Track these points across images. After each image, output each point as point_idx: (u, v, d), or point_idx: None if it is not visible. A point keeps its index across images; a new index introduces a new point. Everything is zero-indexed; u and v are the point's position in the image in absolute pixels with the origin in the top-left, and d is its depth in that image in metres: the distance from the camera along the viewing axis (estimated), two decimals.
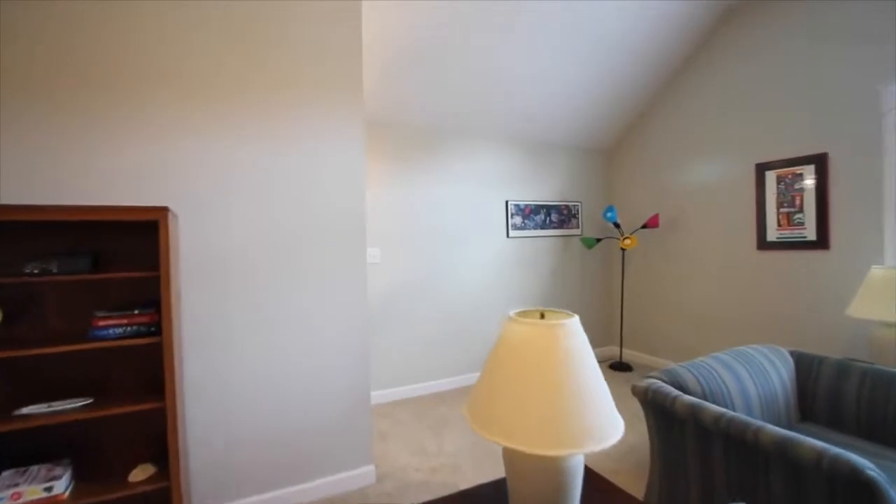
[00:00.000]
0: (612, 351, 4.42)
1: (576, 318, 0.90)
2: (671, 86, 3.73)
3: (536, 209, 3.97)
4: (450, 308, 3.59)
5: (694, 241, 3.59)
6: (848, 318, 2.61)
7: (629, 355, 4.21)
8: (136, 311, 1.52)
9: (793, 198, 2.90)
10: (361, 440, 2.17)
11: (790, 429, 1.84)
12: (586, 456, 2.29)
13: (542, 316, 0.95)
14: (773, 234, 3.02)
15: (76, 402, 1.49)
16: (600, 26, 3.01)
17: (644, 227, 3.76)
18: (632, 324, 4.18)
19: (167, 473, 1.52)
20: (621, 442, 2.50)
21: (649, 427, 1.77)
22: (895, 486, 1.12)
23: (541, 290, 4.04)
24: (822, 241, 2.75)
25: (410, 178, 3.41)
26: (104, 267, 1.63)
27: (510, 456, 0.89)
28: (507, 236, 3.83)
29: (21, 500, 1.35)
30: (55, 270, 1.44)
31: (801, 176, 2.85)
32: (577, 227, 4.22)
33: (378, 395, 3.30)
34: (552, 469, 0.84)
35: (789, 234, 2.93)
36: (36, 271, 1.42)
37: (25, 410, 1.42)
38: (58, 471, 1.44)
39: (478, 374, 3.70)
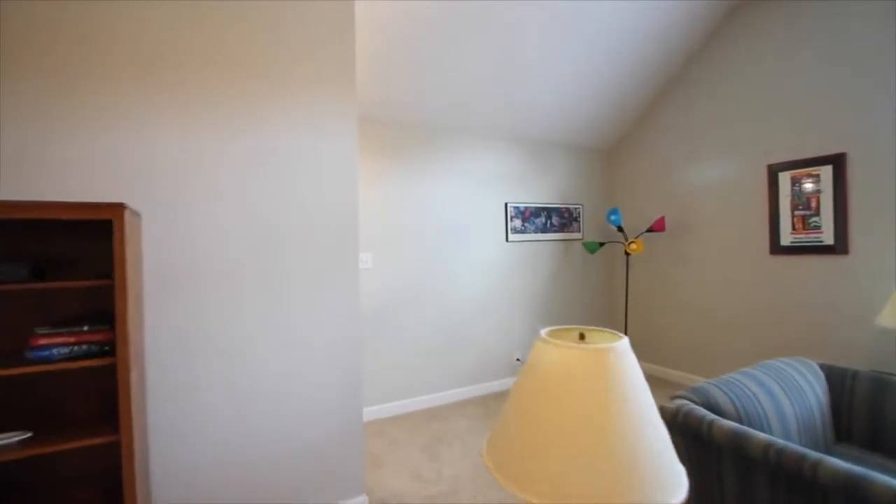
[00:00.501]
0: None
1: (625, 340, 0.71)
2: (675, 84, 3.59)
3: (537, 211, 3.79)
4: (445, 317, 3.37)
5: (702, 245, 3.44)
6: (871, 327, 2.46)
7: None
8: (84, 328, 1.28)
9: (808, 200, 2.76)
10: (353, 467, 1.94)
11: (829, 453, 1.66)
12: None
13: (582, 337, 0.76)
14: (787, 239, 2.87)
15: (12, 437, 1.25)
16: (602, 20, 2.85)
17: (650, 230, 3.59)
18: (637, 332, 4.00)
19: None
20: None
21: (679, 454, 1.57)
22: None
23: (542, 297, 3.84)
24: (840, 246, 2.60)
25: (403, 178, 3.20)
26: (51, 275, 1.40)
27: None
28: (507, 240, 3.63)
29: None
30: None
31: (817, 177, 2.71)
32: (579, 231, 4.05)
33: (369, 412, 3.06)
34: None
35: (805, 238, 2.78)
36: None
37: None
38: None
39: (474, 386, 3.50)
